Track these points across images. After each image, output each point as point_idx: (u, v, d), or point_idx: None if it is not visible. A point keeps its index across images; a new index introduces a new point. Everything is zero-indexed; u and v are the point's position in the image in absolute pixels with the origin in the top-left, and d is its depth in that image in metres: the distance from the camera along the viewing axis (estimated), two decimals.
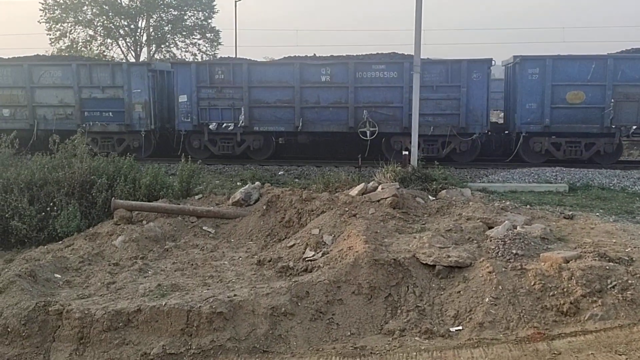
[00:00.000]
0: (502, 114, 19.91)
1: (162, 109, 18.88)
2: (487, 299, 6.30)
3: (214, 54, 41.94)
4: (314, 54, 19.27)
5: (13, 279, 6.93)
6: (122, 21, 40.16)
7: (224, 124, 17.52)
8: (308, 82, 17.14)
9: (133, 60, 38.72)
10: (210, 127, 17.51)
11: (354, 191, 9.95)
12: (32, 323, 6.28)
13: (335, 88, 17.06)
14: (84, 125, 17.78)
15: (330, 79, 17.04)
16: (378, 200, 9.29)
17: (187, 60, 30.85)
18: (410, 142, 13.80)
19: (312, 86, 17.15)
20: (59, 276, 7.58)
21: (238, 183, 13.60)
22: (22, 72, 18.46)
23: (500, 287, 6.39)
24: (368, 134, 16.69)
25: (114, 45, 41.06)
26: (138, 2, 39.64)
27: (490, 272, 6.58)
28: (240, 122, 17.31)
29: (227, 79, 17.40)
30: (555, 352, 5.59)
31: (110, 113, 18.22)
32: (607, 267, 6.40)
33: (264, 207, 9.70)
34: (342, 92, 17.04)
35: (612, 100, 15.93)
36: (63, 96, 18.40)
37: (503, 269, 6.67)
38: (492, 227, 8.29)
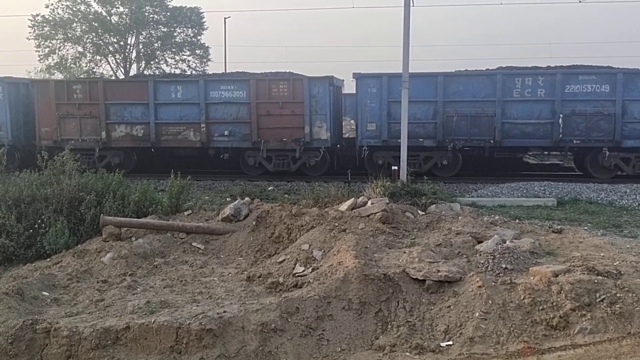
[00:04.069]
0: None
1: None
2: (477, 314, 6.31)
3: (204, 70, 42.07)
4: None
5: (0, 297, 6.85)
6: (112, 38, 40.15)
7: None
8: None
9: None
10: None
11: (344, 206, 9.96)
12: (19, 342, 6.20)
13: None
14: None
15: None
16: (368, 215, 9.30)
17: None
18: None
19: None
20: (47, 294, 7.51)
21: (227, 199, 13.56)
22: None
23: (490, 302, 6.40)
24: None
25: (103, 61, 41.08)
26: (127, 19, 39.72)
27: (480, 287, 6.59)
28: None
29: None
30: None
31: None
32: (596, 281, 6.44)
33: (254, 223, 9.69)
34: None
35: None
36: None
37: (493, 284, 6.68)
38: (481, 242, 8.32)
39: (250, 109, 17.45)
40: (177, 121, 17.86)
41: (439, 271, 7.01)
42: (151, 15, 40.54)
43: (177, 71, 41.31)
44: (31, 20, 38.84)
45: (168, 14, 40.48)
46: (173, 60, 42.18)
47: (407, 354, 6.00)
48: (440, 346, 6.10)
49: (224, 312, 6.38)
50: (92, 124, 18.07)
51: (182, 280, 7.98)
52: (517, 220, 10.72)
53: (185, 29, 41.59)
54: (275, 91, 17.40)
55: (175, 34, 41.62)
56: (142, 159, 19.11)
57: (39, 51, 39.43)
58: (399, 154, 16.42)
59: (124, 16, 39.81)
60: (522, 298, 6.41)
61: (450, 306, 6.57)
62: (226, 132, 17.64)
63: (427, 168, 17.07)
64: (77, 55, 40.35)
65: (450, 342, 6.14)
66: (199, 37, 42.04)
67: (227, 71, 33.99)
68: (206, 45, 42.54)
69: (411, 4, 13.43)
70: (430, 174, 16.66)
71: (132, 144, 18.22)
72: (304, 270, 7.74)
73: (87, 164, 17.75)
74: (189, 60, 42.39)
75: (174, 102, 17.83)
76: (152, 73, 40.34)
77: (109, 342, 6.10)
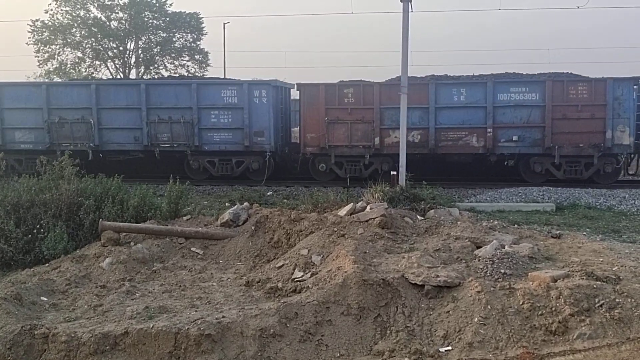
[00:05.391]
0: None
1: None
2: (476, 319, 6.30)
3: (203, 75, 42.12)
4: None
5: None
6: (111, 43, 40.24)
7: None
8: None
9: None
10: None
11: (343, 211, 9.96)
12: (17, 347, 6.19)
13: None
14: None
15: None
16: (367, 220, 9.30)
17: None
18: None
19: None
20: (45, 299, 7.50)
21: (227, 204, 13.57)
22: None
23: (489, 307, 6.39)
24: None
25: (102, 66, 41.15)
26: (127, 25, 39.81)
27: (479, 292, 6.59)
28: None
29: None
30: None
31: None
32: (595, 286, 6.43)
33: (253, 228, 9.68)
34: None
35: None
36: None
37: (492, 289, 6.68)
38: (480, 247, 8.32)
39: (544, 113, 16.36)
40: (459, 126, 16.79)
41: (437, 276, 7.01)
42: (150, 21, 40.66)
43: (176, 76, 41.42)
44: (31, 26, 38.96)
45: (167, 19, 40.59)
46: (172, 65, 42.31)
47: (406, 359, 5.99)
48: (439, 351, 6.09)
49: (223, 317, 6.37)
50: (362, 129, 17.06)
51: (180, 286, 7.97)
52: (515, 226, 10.72)
53: (184, 34, 41.71)
54: (573, 93, 16.30)
55: (174, 39, 41.73)
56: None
57: (38, 56, 39.55)
58: None
59: (123, 21, 39.93)
60: (521, 303, 6.41)
61: (449, 311, 6.56)
62: (514, 137, 16.51)
63: None
64: (77, 60, 40.46)
65: (449, 347, 6.14)
66: (198, 42, 42.18)
67: (226, 76, 34.08)
68: (205, 50, 42.69)
69: (410, 10, 13.46)
70: None
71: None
72: (302, 276, 7.73)
73: (352, 171, 17.32)
74: (188, 66, 42.54)
75: (456, 106, 16.78)
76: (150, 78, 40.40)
77: (107, 347, 6.09)
